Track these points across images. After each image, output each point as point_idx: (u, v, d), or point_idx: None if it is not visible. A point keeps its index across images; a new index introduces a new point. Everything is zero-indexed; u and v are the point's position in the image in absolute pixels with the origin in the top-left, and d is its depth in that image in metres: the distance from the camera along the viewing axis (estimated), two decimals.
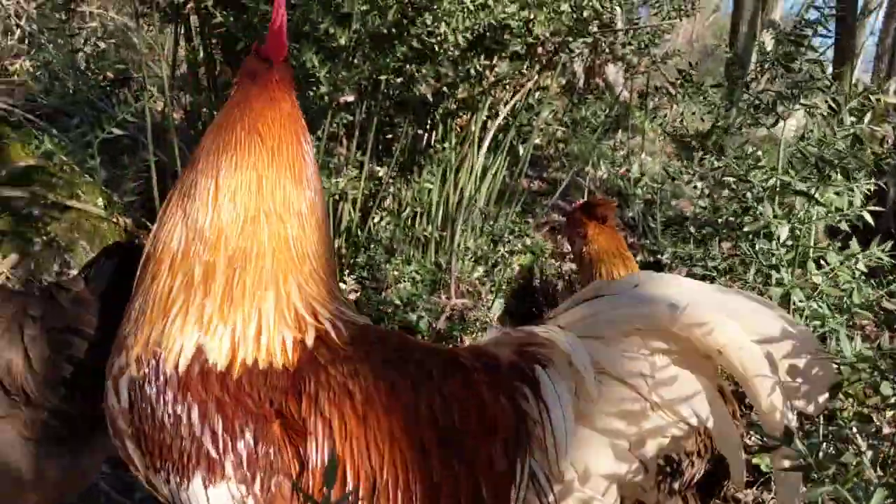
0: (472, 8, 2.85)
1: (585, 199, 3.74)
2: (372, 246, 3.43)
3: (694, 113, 3.47)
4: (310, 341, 1.43)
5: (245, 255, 1.43)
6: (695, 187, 4.01)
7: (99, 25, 5.05)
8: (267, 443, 1.35)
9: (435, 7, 2.86)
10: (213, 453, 1.35)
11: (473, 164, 3.68)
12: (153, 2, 3.23)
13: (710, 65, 11.56)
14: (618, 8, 3.66)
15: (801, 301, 1.59)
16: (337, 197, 3.51)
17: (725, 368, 1.36)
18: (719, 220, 3.02)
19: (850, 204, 1.62)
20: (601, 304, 1.39)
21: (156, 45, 3.48)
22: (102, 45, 3.37)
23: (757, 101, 1.77)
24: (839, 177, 1.50)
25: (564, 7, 3.31)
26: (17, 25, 5.05)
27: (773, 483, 1.78)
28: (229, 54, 3.35)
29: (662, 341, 1.34)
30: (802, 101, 1.60)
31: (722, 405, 1.36)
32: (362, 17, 2.82)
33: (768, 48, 3.10)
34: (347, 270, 3.56)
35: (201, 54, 3.48)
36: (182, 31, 3.54)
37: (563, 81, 4.48)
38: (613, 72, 5.05)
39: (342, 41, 2.82)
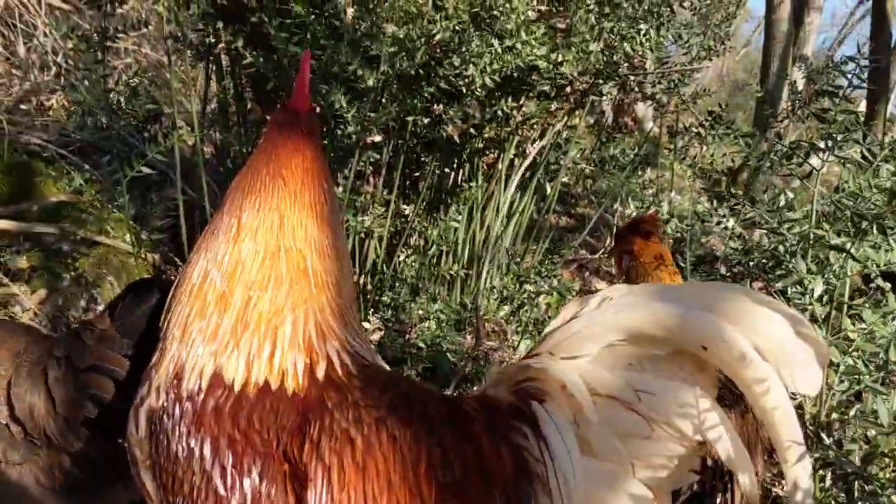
0: (499, 51, 2.85)
1: (632, 216, 3.76)
2: (397, 285, 3.41)
3: (725, 155, 3.43)
4: (320, 373, 1.45)
5: (262, 284, 1.47)
6: (725, 228, 3.95)
7: (133, 61, 5.14)
8: (270, 483, 1.36)
9: (463, 49, 2.87)
10: (221, 490, 1.36)
11: (500, 203, 3.66)
12: (186, 40, 3.28)
13: (739, 99, 11.51)
14: (648, 51, 3.65)
15: (835, 358, 1.54)
16: (363, 235, 3.51)
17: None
18: (751, 263, 2.97)
19: (889, 253, 1.57)
20: (581, 321, 1.35)
21: (188, 79, 3.53)
22: (136, 81, 3.41)
23: (789, 153, 1.73)
24: (875, 230, 1.46)
25: (593, 47, 3.30)
26: (54, 62, 5.15)
27: None
28: (259, 93, 3.38)
29: (652, 348, 1.29)
30: (837, 152, 1.56)
31: (722, 415, 1.28)
32: (390, 59, 2.83)
33: (800, 87, 3.05)
34: (372, 309, 3.54)
35: (232, 92, 3.51)
36: (213, 69, 3.58)
37: (592, 120, 4.47)
38: (643, 108, 5.03)
39: (370, 82, 2.83)
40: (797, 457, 1.21)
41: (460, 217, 3.56)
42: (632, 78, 4.05)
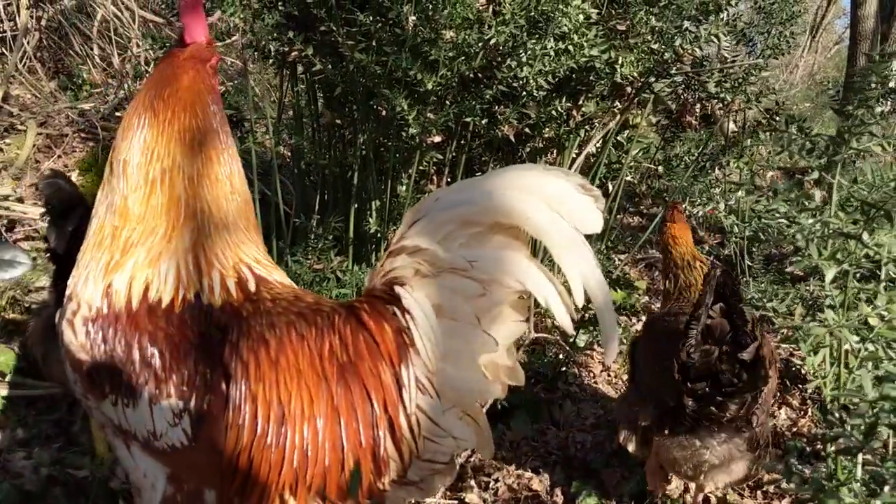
0: (553, 53, 2.96)
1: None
2: None
3: (782, 152, 3.44)
4: (232, 288, 1.65)
5: (144, 217, 1.63)
6: (788, 226, 3.92)
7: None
8: (205, 364, 1.57)
9: (519, 53, 2.99)
10: (161, 373, 1.56)
11: None
12: (263, 49, 3.50)
13: (826, 98, 11.20)
14: (714, 40, 3.68)
15: (856, 342, 1.60)
16: None
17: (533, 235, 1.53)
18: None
19: None
20: (420, 224, 1.59)
21: (267, 85, 3.75)
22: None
23: (809, 145, 1.79)
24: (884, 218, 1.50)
25: (655, 46, 3.38)
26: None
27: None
28: (329, 98, 3.57)
29: (474, 228, 1.56)
30: (854, 144, 1.61)
31: (534, 265, 1.54)
32: (449, 63, 2.97)
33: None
34: None
35: (305, 98, 3.71)
36: (288, 76, 3.80)
37: (654, 120, 4.51)
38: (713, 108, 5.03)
39: (430, 86, 2.98)
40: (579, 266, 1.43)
41: None
42: (695, 78, 4.09)
